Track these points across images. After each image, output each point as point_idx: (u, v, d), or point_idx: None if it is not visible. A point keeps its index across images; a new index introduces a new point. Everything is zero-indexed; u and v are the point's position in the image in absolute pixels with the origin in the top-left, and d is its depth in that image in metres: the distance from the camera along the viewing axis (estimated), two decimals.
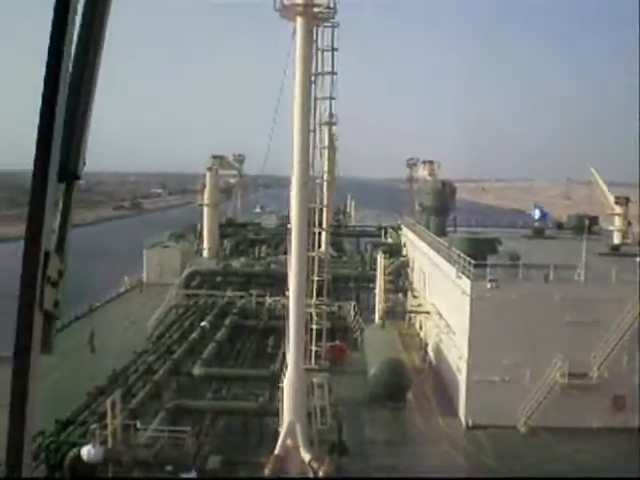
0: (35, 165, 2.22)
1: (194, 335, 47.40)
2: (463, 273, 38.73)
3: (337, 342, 47.48)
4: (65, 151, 2.35)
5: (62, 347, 54.71)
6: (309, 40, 28.50)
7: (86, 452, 27.34)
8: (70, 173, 2.43)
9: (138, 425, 30.59)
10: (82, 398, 36.85)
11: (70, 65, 2.26)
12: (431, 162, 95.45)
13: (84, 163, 2.50)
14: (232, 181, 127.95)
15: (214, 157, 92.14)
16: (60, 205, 2.45)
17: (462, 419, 37.64)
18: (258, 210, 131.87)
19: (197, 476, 27.42)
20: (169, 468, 27.53)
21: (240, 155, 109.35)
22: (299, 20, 28.02)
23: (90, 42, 2.38)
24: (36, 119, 2.19)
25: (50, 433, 31.82)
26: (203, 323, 49.92)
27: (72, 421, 33.62)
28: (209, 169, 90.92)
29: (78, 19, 2.28)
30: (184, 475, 26.96)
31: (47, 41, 2.18)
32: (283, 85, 29.48)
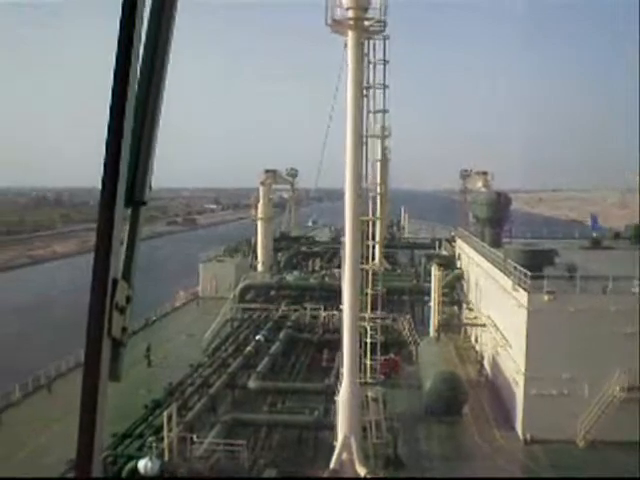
0: (102, 191, 2.21)
1: (249, 348, 47.61)
2: (519, 285, 38.21)
3: (391, 356, 47.26)
4: (132, 176, 2.37)
5: None
6: (360, 53, 28.62)
7: (143, 465, 27.55)
8: (136, 198, 2.44)
9: (194, 438, 30.80)
10: (139, 411, 37.27)
11: (136, 87, 2.28)
12: (485, 173, 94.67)
13: (150, 188, 2.50)
14: (285, 195, 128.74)
15: (267, 171, 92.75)
16: (126, 230, 2.46)
17: (519, 433, 37.05)
18: (310, 224, 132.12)
19: None
20: None
21: (293, 169, 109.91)
22: (350, 34, 28.14)
23: (156, 62, 2.41)
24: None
25: (107, 446, 32.28)
26: (258, 337, 50.16)
27: (129, 434, 34.02)
28: (262, 183, 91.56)
29: (144, 36, 2.30)
30: None
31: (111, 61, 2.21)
32: (336, 98, 29.64)
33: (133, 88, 2.24)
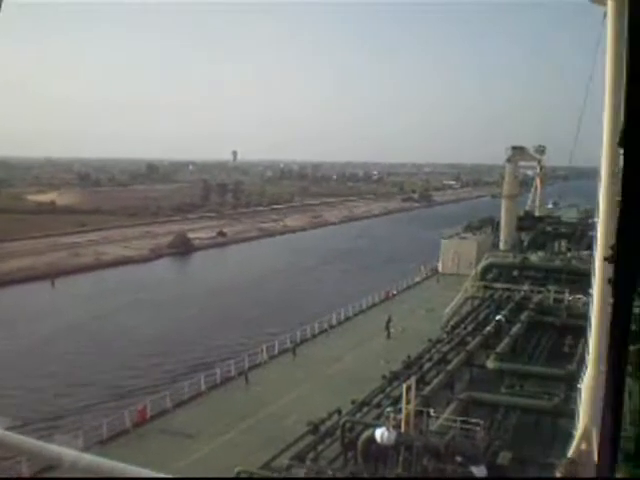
0: None
1: (489, 328, 46.99)
2: None
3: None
4: None
5: (360, 331, 57.24)
6: (621, 23, 26.91)
7: (380, 434, 28.06)
8: None
9: (431, 412, 30.95)
10: (376, 381, 38.15)
11: None
12: None
13: None
14: (529, 173, 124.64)
15: (514, 148, 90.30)
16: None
17: None
18: (550, 206, 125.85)
19: (486, 471, 27.08)
20: (459, 459, 27.50)
21: (541, 146, 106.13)
22: (610, 3, 26.50)
23: None
24: None
25: (346, 412, 33.39)
26: (498, 317, 49.28)
27: (367, 402, 34.97)
28: (508, 160, 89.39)
29: None
30: (474, 468, 26.79)
31: None
32: (593, 72, 28.16)
33: None
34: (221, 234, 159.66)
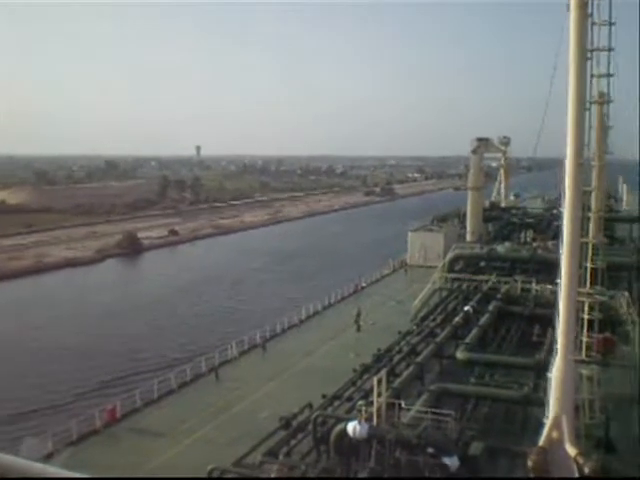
0: None
1: (457, 319, 47.21)
2: None
3: (607, 334, 45.03)
4: None
5: (330, 324, 57.24)
6: (584, 14, 27.06)
7: (352, 428, 28.02)
8: None
9: (402, 405, 30.93)
10: (347, 374, 38.14)
11: None
12: None
13: None
14: (493, 164, 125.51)
15: (479, 140, 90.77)
16: None
17: None
18: (512, 198, 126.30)
19: (459, 461, 27.14)
20: (431, 450, 27.54)
21: (505, 137, 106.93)
22: None
23: None
24: None
25: (317, 407, 33.32)
26: (466, 307, 49.52)
27: (338, 396, 34.92)
28: (474, 152, 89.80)
29: None
30: (447, 459, 26.86)
31: None
32: (556, 62, 28.30)
33: None
34: (173, 232, 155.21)
